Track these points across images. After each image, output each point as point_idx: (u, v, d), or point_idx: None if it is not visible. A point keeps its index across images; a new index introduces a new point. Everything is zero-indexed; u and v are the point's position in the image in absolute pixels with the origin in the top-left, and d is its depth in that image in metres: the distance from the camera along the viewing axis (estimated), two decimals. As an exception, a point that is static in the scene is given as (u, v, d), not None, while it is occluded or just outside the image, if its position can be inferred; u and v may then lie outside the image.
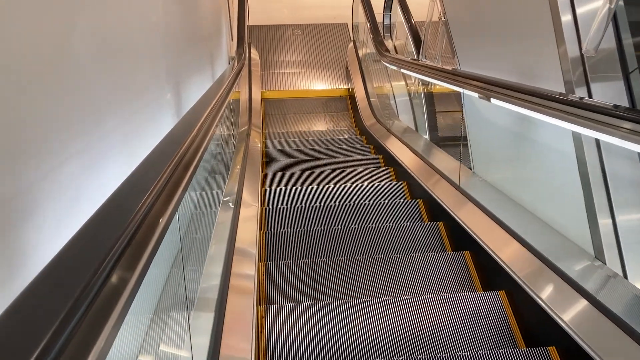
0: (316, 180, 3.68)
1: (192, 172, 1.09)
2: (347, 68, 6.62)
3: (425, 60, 4.65)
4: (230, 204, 2.68)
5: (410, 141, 4.03)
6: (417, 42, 5.02)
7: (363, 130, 5.09)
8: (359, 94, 5.48)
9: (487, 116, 2.73)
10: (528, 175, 2.39)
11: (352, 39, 6.71)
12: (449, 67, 3.31)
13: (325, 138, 4.93)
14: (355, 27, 6.64)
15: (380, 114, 4.96)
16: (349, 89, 6.50)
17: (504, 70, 2.57)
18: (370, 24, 5.27)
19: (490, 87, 2.06)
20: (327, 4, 8.16)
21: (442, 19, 3.79)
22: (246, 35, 5.25)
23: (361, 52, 6.30)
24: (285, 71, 6.87)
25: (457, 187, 2.75)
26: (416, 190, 3.27)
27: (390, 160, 3.97)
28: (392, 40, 6.39)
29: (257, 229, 2.44)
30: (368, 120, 4.95)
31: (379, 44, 4.80)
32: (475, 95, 2.38)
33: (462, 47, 3.25)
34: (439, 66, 2.93)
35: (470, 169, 2.98)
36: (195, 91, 2.61)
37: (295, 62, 7.03)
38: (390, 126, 4.51)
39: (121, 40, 1.58)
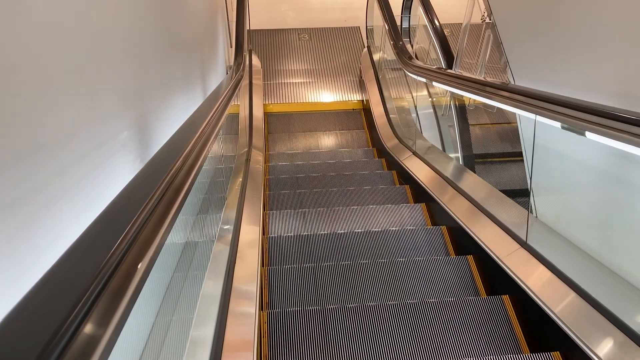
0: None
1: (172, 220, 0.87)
2: (361, 77, 6.02)
3: (459, 70, 4.05)
4: (219, 268, 2.08)
5: (444, 169, 3.41)
6: (446, 48, 4.44)
7: (382, 152, 4.48)
8: (377, 109, 4.87)
9: (563, 148, 2.11)
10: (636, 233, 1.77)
11: (366, 45, 6.12)
12: (498, 81, 2.70)
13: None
14: (369, 31, 6.06)
15: (402, 133, 4.35)
16: (363, 100, 5.90)
17: (590, 89, 1.95)
18: (389, 28, 4.68)
19: (601, 120, 1.45)
20: (337, 6, 7.59)
21: (488, 20, 3.20)
22: (246, 41, 4.67)
23: (377, 59, 5.71)
24: (291, 81, 6.29)
25: (520, 242, 2.13)
26: (461, 240, 2.65)
27: (421, 194, 3.35)
28: (412, 45, 5.81)
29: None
30: (389, 140, 4.34)
31: (400, 51, 4.20)
32: (558, 125, 1.77)
33: (517, 57, 2.64)
34: (497, 81, 2.33)
35: (531, 212, 2.37)
36: (176, 118, 2.02)
37: (302, 70, 6.45)
38: (417, 148, 3.90)
39: (39, 59, 0.99)
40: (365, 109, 5.74)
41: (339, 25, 7.21)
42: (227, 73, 5.44)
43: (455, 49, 4.63)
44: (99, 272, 0.58)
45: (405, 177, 3.78)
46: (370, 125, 5.23)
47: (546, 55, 2.40)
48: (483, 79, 2.54)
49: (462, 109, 4.17)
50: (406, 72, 3.96)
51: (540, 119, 1.88)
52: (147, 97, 1.80)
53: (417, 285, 2.36)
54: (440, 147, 4.54)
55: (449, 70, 3.35)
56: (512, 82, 2.63)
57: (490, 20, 3.05)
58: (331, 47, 6.85)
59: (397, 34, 4.55)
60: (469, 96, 2.80)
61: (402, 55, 4.14)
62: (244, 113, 4.31)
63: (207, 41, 3.98)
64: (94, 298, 0.54)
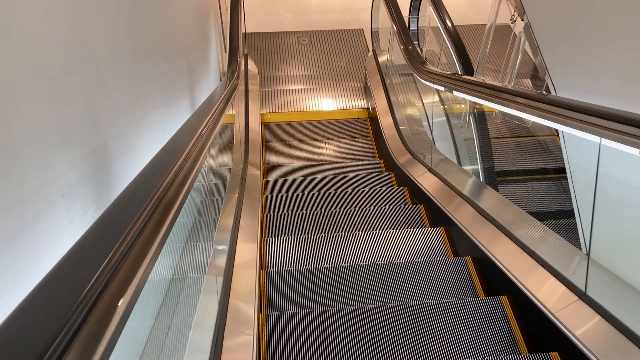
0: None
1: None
2: (366, 83, 5.67)
3: (481, 78, 3.70)
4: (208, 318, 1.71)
5: (465, 188, 3.05)
6: (461, 51, 4.10)
7: (392, 165, 4.12)
8: (385, 120, 4.51)
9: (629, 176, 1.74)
10: None
11: (371, 48, 5.77)
12: (546, 94, 2.35)
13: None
14: (374, 34, 5.71)
15: (414, 146, 3.99)
16: (368, 108, 5.55)
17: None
18: (398, 30, 4.33)
19: None
20: (338, 7, 7.26)
21: (520, 20, 2.86)
22: (241, 45, 4.32)
23: (383, 64, 5.36)
24: (290, 88, 5.93)
25: (578, 292, 1.76)
26: (491, 276, 2.28)
27: (439, 216, 2.99)
28: (421, 49, 5.46)
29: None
30: (400, 154, 3.97)
31: (412, 56, 3.85)
32: (636, 152, 1.41)
33: (558, 63, 2.28)
34: (545, 94, 1.96)
35: (582, 249, 2.00)
36: (151, 143, 1.67)
37: (302, 76, 6.10)
38: (433, 164, 3.53)
39: None
40: (372, 118, 5.38)
41: (340, 27, 6.87)
42: (220, 80, 5.09)
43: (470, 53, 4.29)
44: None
45: (420, 196, 3.42)
46: (377, 135, 4.87)
47: (595, 60, 2.05)
48: (527, 91, 2.18)
49: (481, 119, 3.82)
50: (419, 79, 3.61)
51: (608, 142, 1.52)
52: (105, 124, 1.45)
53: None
54: (455, 161, 4.19)
55: (475, 79, 2.99)
56: (553, 92, 2.28)
57: (523, 20, 2.70)
58: (333, 51, 6.50)
59: (408, 37, 4.20)
60: (504, 110, 2.42)
61: (414, 60, 3.79)
62: (239, 126, 3.95)
63: (196, 46, 3.63)
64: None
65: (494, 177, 3.72)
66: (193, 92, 3.24)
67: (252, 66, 5.71)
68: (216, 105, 2.37)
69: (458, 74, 3.50)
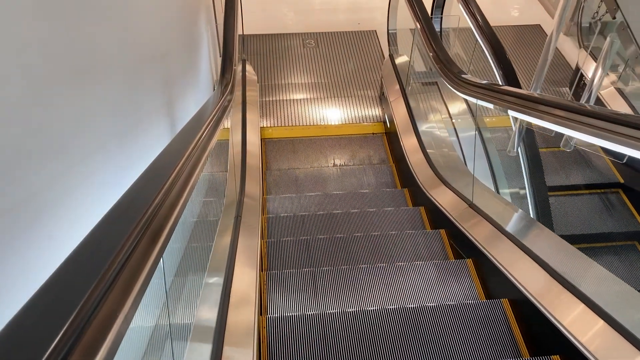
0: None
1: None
2: (383, 93, 5.06)
3: (537, 91, 3.09)
4: None
5: (526, 238, 2.43)
6: (501, 57, 3.49)
7: (419, 197, 3.49)
8: (408, 141, 3.88)
9: None
10: None
11: (387, 53, 5.16)
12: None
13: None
14: (392, 36, 5.11)
15: (448, 175, 3.36)
16: (385, 122, 4.93)
17: None
18: (425, 33, 3.71)
19: None
20: (348, 6, 6.66)
21: (612, 18, 2.26)
22: (237, 50, 3.71)
23: (403, 71, 4.75)
24: (294, 97, 5.33)
25: None
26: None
27: (498, 280, 2.36)
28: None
29: None
30: (430, 185, 3.34)
31: (445, 64, 3.23)
32: None
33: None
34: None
35: None
36: (91, 202, 1.09)
37: (307, 84, 5.49)
38: (478, 200, 2.91)
39: None
40: (389, 133, 4.76)
41: (351, 28, 6.27)
42: (214, 89, 4.48)
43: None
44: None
45: (465, 246, 2.79)
46: (399, 157, 4.24)
47: None
48: None
49: (531, 142, 3.19)
50: (458, 93, 2.98)
51: None
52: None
53: None
54: (492, 186, 3.57)
55: (556, 98, 2.34)
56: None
57: (613, 17, 2.09)
58: (343, 55, 5.89)
59: (437, 41, 3.58)
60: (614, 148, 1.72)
61: (448, 69, 3.17)
62: (233, 150, 3.33)
63: (179, 52, 3.02)
64: None
65: (549, 219, 3.10)
66: (172, 111, 2.63)
67: (250, 73, 5.10)
68: (198, 137, 1.76)
69: (485, 82, 2.88)
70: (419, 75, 4.80)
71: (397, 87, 4.69)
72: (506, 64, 3.49)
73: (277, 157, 4.49)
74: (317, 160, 4.49)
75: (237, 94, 4.44)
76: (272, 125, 4.98)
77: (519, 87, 3.43)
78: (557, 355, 1.72)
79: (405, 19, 5.18)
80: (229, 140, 3.37)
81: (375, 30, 6.22)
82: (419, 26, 3.92)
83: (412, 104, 4.37)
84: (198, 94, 3.45)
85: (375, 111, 5.16)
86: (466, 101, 4.60)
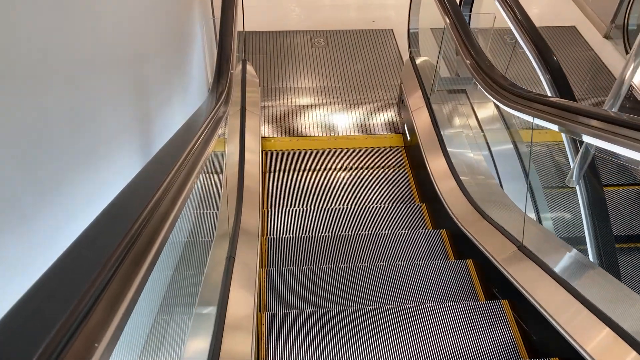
0: None
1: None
2: (402, 100, 4.54)
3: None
4: None
5: (594, 293, 1.92)
6: (551, 63, 2.98)
7: (457, 237, 2.97)
8: (436, 163, 3.34)
9: None
10: None
11: (407, 55, 4.64)
12: None
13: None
14: (413, 37, 4.59)
15: (488, 207, 2.83)
16: (404, 133, 4.42)
17: None
18: (460, 35, 3.19)
19: None
20: (362, 2, 6.14)
21: None
22: (235, 52, 3.20)
23: (426, 75, 4.23)
24: (300, 103, 4.82)
25: None
26: None
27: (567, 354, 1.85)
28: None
29: None
30: (468, 220, 2.80)
31: (488, 73, 2.70)
32: None
33: None
34: None
35: None
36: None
37: (315, 89, 4.98)
38: (535, 247, 2.38)
39: None
40: (409, 147, 4.25)
41: (365, 27, 5.75)
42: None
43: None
44: None
45: (531, 316, 2.27)
46: (422, 181, 3.72)
47: None
48: None
49: (593, 170, 2.67)
50: (509, 109, 2.45)
51: None
52: None
53: None
54: (534, 216, 3.07)
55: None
56: None
57: None
58: (355, 56, 5.37)
59: (474, 43, 3.06)
60: None
61: (492, 79, 2.64)
62: (226, 172, 2.82)
63: (162, 52, 2.51)
64: None
65: (615, 260, 2.58)
66: (149, 127, 2.11)
67: (252, 74, 4.58)
68: (176, 168, 1.30)
69: (534, 93, 2.34)
70: (444, 81, 4.28)
71: (420, 94, 4.17)
72: (555, 68, 2.98)
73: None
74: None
75: (235, 97, 3.94)
76: (274, 135, 4.47)
77: (572, 94, 2.91)
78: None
79: (430, 17, 4.65)
80: (223, 162, 2.86)
81: (392, 29, 5.71)
82: (450, 25, 3.40)
83: (438, 115, 3.85)
84: (187, 104, 2.93)
85: (393, 121, 4.64)
86: (499, 111, 4.09)
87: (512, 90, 2.37)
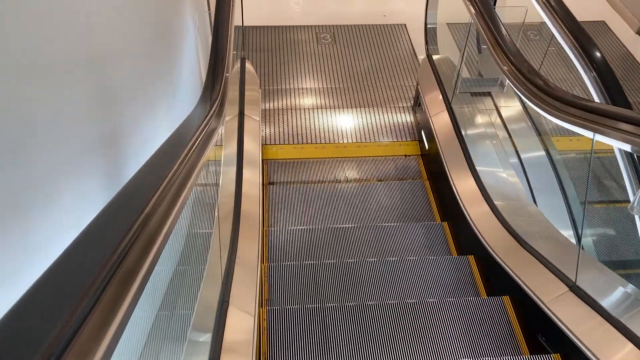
0: None
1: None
2: (419, 103, 4.14)
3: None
4: None
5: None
6: (599, 63, 2.60)
7: (491, 268, 2.58)
8: (463, 183, 2.92)
9: None
10: None
11: (425, 52, 4.23)
12: None
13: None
14: (431, 32, 4.18)
15: (528, 235, 2.43)
16: (422, 141, 4.02)
17: None
18: (491, 34, 2.80)
19: None
20: (371, -6, 5.74)
21: None
22: (231, 51, 2.81)
23: (447, 76, 3.83)
24: (304, 106, 4.43)
25: None
26: None
27: None
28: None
29: None
30: (503, 250, 2.40)
31: (530, 77, 2.30)
32: None
33: None
34: None
35: None
36: None
37: (321, 90, 4.58)
38: (593, 289, 1.99)
39: None
40: (427, 155, 3.86)
41: (375, 21, 5.34)
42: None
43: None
44: None
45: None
46: (443, 194, 3.33)
47: None
48: None
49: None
50: (564, 124, 2.04)
51: None
52: None
53: None
54: (574, 240, 2.69)
55: None
56: None
57: None
58: (365, 54, 4.97)
59: (507, 42, 2.66)
60: None
61: (535, 86, 2.24)
62: (219, 195, 2.42)
63: (139, 51, 2.11)
64: None
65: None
66: (119, 147, 1.72)
67: (251, 74, 4.18)
68: (154, 200, 0.95)
69: (596, 103, 1.95)
70: (465, 82, 3.88)
71: (439, 96, 3.77)
72: (601, 63, 2.59)
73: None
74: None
75: (232, 97, 3.55)
76: (276, 142, 4.08)
77: (623, 94, 2.52)
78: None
79: (451, 11, 4.26)
80: (217, 179, 2.47)
81: (405, 24, 5.30)
82: (479, 20, 3.01)
83: (460, 122, 3.45)
84: (176, 113, 2.54)
85: (408, 126, 4.25)
86: (530, 118, 3.69)
87: (568, 100, 1.97)
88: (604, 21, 5.41)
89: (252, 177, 2.82)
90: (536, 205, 3.00)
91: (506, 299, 2.35)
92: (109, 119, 1.64)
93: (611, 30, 5.31)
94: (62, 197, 1.33)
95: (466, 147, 3.24)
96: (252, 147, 3.22)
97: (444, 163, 3.18)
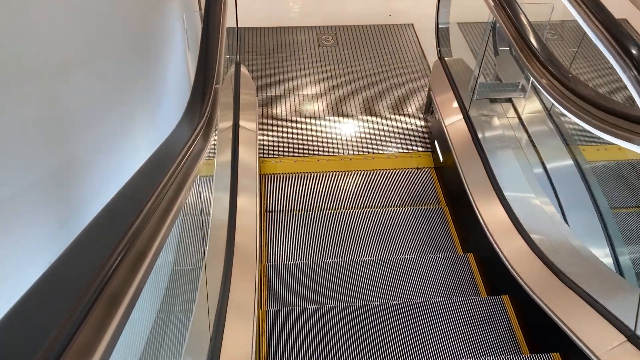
0: None
1: None
2: (431, 110, 3.82)
3: None
4: None
5: None
6: (633, 56, 2.28)
7: (525, 307, 2.25)
8: (490, 211, 2.54)
9: None
10: None
11: (434, 55, 3.91)
12: None
13: None
14: (443, 32, 3.86)
15: (571, 274, 2.09)
16: (435, 151, 3.70)
17: None
18: (522, 42, 2.47)
19: None
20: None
21: None
22: (222, 57, 2.48)
23: (462, 81, 3.51)
24: (304, 114, 4.10)
25: None
26: None
27: None
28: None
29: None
30: (550, 295, 2.06)
31: (579, 93, 1.97)
32: None
33: None
34: None
35: None
36: None
37: (322, 97, 4.26)
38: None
39: None
40: (443, 169, 3.53)
41: (380, 21, 5.02)
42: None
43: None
44: None
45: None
46: (462, 216, 3.00)
47: None
48: None
49: None
50: (629, 145, 1.71)
51: None
52: None
53: None
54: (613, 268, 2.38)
55: None
56: None
57: None
58: (370, 56, 4.65)
59: (544, 51, 2.34)
60: None
61: (595, 106, 1.91)
62: (209, 233, 2.09)
63: (108, 57, 1.78)
64: None
65: None
66: (76, 184, 1.39)
67: (247, 81, 3.85)
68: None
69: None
70: (482, 88, 3.56)
71: (454, 103, 3.45)
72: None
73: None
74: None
75: (224, 113, 3.22)
76: (274, 154, 3.75)
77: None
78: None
79: (466, 8, 3.95)
80: (207, 205, 2.14)
81: (412, 24, 4.98)
82: (502, 18, 2.68)
83: (480, 132, 3.13)
84: (158, 132, 2.21)
85: (419, 135, 3.92)
86: (555, 125, 3.37)
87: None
88: (625, 19, 5.10)
89: (248, 206, 2.48)
90: (567, 222, 2.68)
91: (505, 298, 2.31)
92: (62, 147, 1.32)
93: (634, 30, 5.00)
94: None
95: (489, 164, 2.91)
96: (248, 165, 2.90)
97: (465, 183, 2.85)
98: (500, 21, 2.71)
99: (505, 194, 2.54)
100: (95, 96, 1.60)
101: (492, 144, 3.02)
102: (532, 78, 2.44)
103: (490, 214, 2.50)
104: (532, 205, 2.58)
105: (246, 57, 4.56)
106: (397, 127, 3.98)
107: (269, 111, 4.10)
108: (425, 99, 4.12)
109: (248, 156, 3.05)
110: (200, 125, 1.68)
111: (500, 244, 2.32)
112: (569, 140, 3.28)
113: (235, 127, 3.22)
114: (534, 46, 2.38)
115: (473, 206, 2.63)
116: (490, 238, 2.37)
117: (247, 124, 3.36)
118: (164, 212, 1.15)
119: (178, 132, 1.59)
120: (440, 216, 3.21)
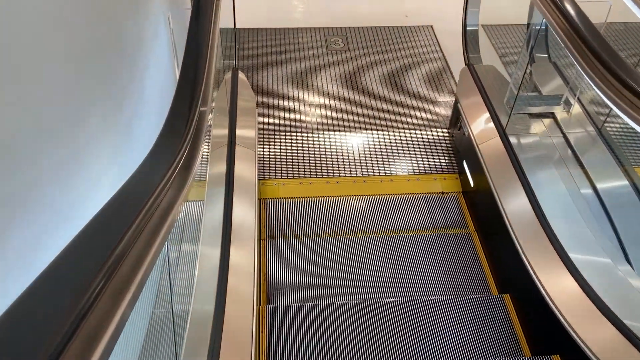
0: None
1: None
2: (459, 125, 3.36)
3: None
4: None
5: None
6: None
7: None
8: (556, 284, 1.98)
9: None
10: None
11: (462, 61, 3.44)
12: None
13: None
14: (472, 36, 3.40)
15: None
16: (464, 172, 3.25)
17: None
18: (580, 36, 2.01)
19: None
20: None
21: None
22: (212, 71, 2.02)
23: (495, 93, 3.05)
24: (309, 129, 3.65)
25: None
26: None
27: None
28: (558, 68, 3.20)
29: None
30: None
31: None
32: None
33: None
34: None
35: None
36: None
37: (331, 108, 3.81)
38: None
39: None
40: (474, 195, 3.08)
41: (396, 22, 4.57)
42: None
43: None
44: None
45: None
46: (499, 254, 2.54)
47: None
48: None
49: None
50: None
51: None
52: None
53: None
54: None
55: None
56: None
57: None
58: (385, 62, 4.20)
59: (614, 53, 1.88)
60: None
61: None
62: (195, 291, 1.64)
63: (66, 66, 1.33)
64: None
65: None
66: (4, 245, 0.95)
67: (245, 90, 3.40)
68: None
69: None
70: (519, 100, 3.10)
71: (487, 118, 2.99)
72: None
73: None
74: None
75: (216, 132, 2.77)
76: (277, 175, 3.30)
77: None
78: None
79: (499, 9, 3.50)
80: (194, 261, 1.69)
81: (432, 26, 4.53)
82: (555, 21, 2.22)
83: (522, 154, 2.67)
84: (129, 154, 1.76)
85: (443, 154, 3.46)
86: (606, 143, 2.92)
87: None
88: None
89: (246, 258, 2.01)
90: (629, 262, 2.23)
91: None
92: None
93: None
94: None
95: (532, 192, 2.45)
96: (245, 191, 2.44)
97: (507, 223, 2.39)
98: (553, 22, 2.24)
99: (572, 256, 2.05)
100: (41, 118, 1.16)
101: (538, 174, 2.56)
102: (597, 91, 1.98)
103: (556, 287, 1.98)
104: (590, 249, 2.12)
105: (245, 62, 4.11)
106: (417, 143, 3.52)
107: (271, 124, 3.65)
108: (448, 111, 3.67)
109: (245, 182, 2.59)
110: (173, 168, 1.22)
111: (548, 289, 1.85)
112: (623, 161, 2.83)
113: (231, 145, 2.77)
114: (602, 54, 1.92)
115: (528, 268, 2.14)
116: (572, 332, 1.84)
117: (245, 141, 2.91)
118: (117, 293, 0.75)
119: (138, 177, 1.14)
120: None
